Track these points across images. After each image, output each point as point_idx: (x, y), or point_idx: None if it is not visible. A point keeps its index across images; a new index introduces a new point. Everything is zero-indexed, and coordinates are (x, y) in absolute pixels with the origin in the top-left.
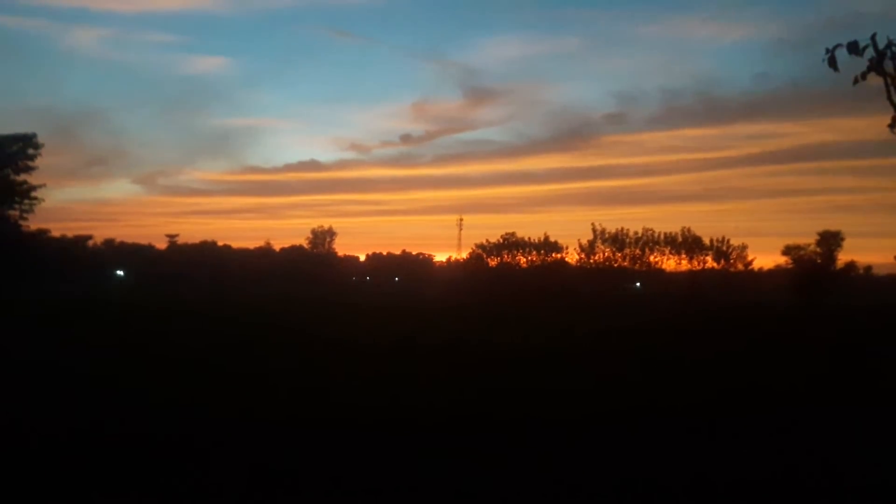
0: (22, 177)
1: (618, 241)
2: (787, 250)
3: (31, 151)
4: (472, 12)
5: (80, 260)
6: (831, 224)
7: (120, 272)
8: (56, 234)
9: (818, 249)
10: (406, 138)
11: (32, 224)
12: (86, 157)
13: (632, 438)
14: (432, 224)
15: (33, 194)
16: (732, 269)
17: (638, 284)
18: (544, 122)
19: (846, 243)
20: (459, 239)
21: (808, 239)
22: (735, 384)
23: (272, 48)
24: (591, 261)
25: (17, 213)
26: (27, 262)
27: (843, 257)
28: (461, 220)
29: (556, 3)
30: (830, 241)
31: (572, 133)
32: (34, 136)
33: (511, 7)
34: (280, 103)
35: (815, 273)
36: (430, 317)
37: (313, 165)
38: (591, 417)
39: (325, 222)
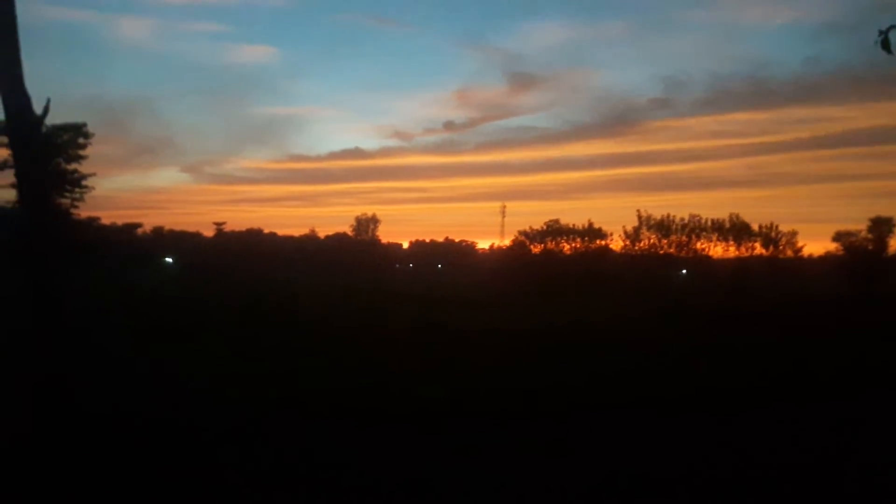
0: (72, 166)
1: (663, 227)
2: (838, 237)
3: (81, 141)
4: None
5: (130, 247)
6: (883, 210)
7: (169, 259)
8: (106, 221)
9: (869, 236)
10: (449, 125)
11: (83, 212)
12: (135, 147)
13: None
14: (475, 211)
15: (84, 183)
16: (781, 256)
17: (684, 272)
18: (588, 108)
19: None
20: (502, 226)
21: (859, 225)
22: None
23: (316, 37)
24: (636, 248)
25: (68, 201)
26: (78, 250)
27: (895, 244)
28: (504, 207)
29: None
30: (882, 227)
31: (617, 118)
32: (84, 125)
33: None
34: (324, 91)
35: (867, 260)
36: (472, 305)
37: (357, 153)
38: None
39: (369, 210)
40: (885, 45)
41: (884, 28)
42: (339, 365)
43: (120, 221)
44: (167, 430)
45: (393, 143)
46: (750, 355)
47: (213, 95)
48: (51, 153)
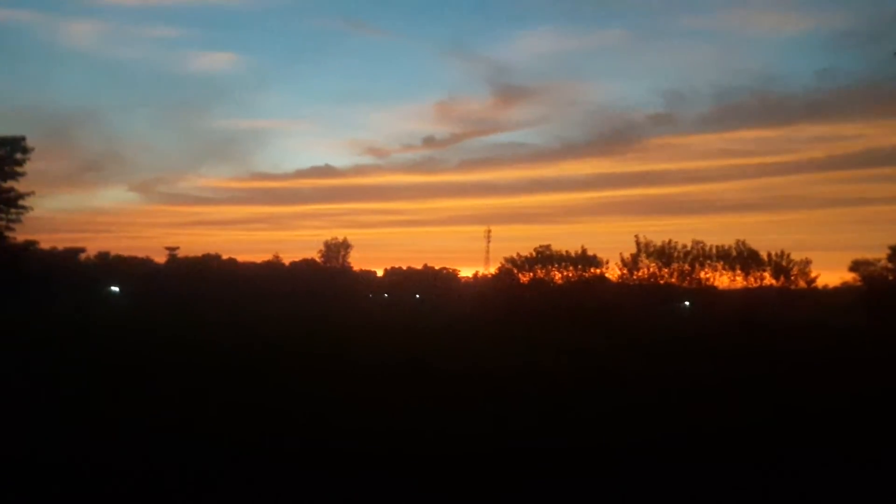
0: (9, 183)
1: (664, 255)
2: (855, 266)
3: (19, 156)
4: (502, 2)
5: (72, 275)
6: None
7: (115, 288)
8: (45, 246)
9: (890, 265)
10: (429, 141)
11: (19, 235)
12: (79, 163)
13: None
14: (457, 236)
15: (21, 203)
16: (793, 287)
17: (687, 303)
18: (582, 124)
19: None
20: (487, 252)
21: (878, 253)
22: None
23: (283, 43)
24: (635, 277)
25: (2, 223)
26: (13, 278)
27: None
28: (489, 231)
29: None
30: None
31: (614, 135)
32: (23, 139)
33: None
34: (291, 103)
35: (887, 291)
36: (446, 339)
37: (327, 171)
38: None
39: (340, 234)
40: None
41: None
42: (301, 404)
43: (61, 246)
44: (90, 475)
45: (367, 160)
46: (758, 394)
47: (168, 107)
48: None
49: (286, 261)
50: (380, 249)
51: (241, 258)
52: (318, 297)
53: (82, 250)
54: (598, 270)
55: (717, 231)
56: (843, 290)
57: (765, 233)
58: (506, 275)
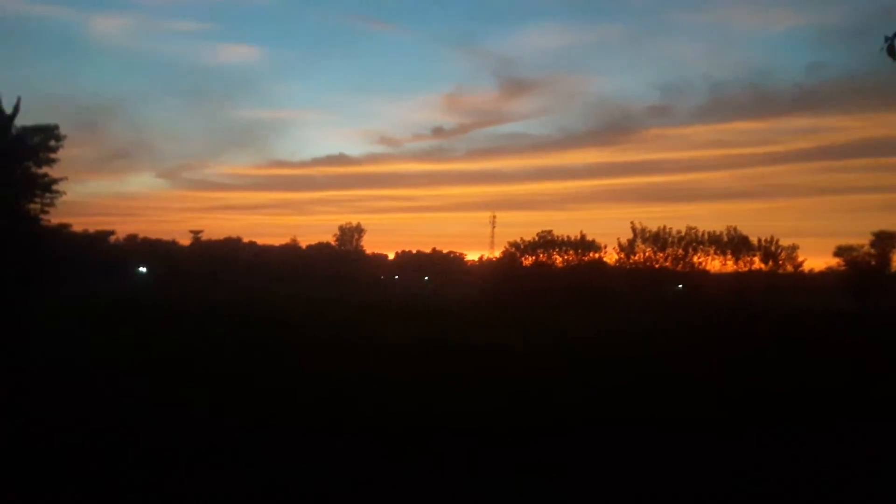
0: (43, 169)
1: (659, 240)
2: (840, 251)
3: (52, 143)
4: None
5: (102, 256)
6: (887, 224)
7: (142, 269)
8: (77, 228)
9: (872, 251)
10: (438, 131)
11: (53, 218)
12: (108, 150)
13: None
14: (464, 221)
15: (54, 188)
16: (781, 271)
17: (680, 286)
18: (583, 115)
19: None
20: (492, 237)
21: (861, 240)
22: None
23: (301, 37)
24: (631, 261)
25: (38, 206)
26: (47, 258)
27: None
28: (494, 217)
29: None
30: (886, 241)
31: (613, 126)
32: (56, 127)
33: None
34: (308, 94)
35: (869, 275)
36: (458, 319)
37: (341, 159)
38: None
39: (353, 219)
40: (892, 51)
41: (890, 34)
42: (315, 380)
43: (92, 229)
44: (123, 444)
45: (379, 149)
46: (747, 372)
47: (192, 97)
48: (21, 155)
49: (303, 244)
50: (391, 233)
51: (260, 241)
52: (333, 277)
53: (112, 233)
54: (596, 255)
55: (709, 218)
56: (827, 274)
57: (755, 220)
58: (509, 258)
